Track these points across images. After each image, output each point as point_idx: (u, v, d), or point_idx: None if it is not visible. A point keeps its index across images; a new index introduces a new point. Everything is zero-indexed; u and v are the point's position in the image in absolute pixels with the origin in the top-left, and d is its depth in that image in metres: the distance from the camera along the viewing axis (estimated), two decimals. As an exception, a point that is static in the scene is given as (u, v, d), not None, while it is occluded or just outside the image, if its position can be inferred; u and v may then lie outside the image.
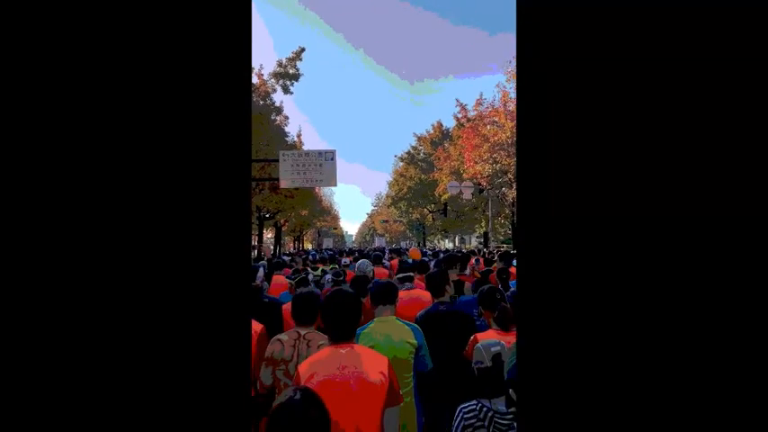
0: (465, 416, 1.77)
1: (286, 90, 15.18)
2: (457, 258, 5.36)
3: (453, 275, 4.56)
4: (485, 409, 1.75)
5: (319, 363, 1.93)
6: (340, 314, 2.02)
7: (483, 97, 21.38)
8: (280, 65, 14.90)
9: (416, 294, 3.75)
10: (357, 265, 5.36)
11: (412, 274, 4.21)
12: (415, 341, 2.61)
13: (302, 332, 2.56)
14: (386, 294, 2.78)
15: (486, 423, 1.72)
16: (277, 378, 2.45)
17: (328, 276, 5.05)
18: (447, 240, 37.08)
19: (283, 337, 2.55)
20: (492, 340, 1.99)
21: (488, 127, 17.28)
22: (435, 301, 3.31)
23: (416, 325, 2.78)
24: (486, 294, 3.06)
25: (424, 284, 3.91)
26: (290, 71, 14.84)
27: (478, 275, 5.31)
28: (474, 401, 1.80)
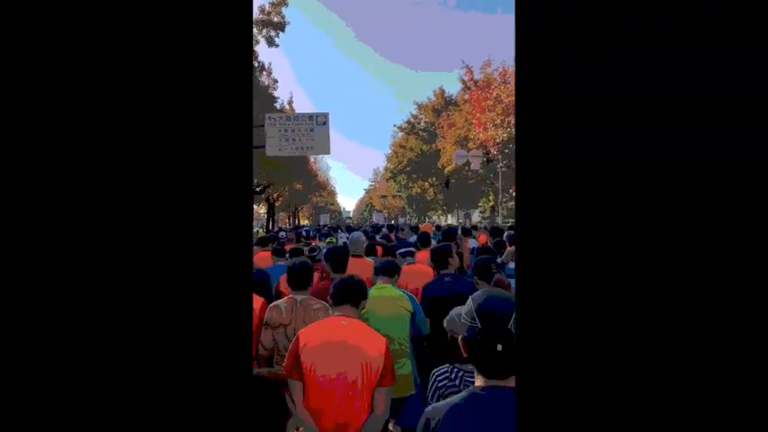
0: (438, 378, 1.86)
1: (270, 42, 13.05)
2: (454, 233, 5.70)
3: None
4: (455, 370, 1.86)
5: (319, 330, 2.02)
6: (340, 286, 2.18)
7: (491, 58, 19.53)
8: (262, 11, 12.55)
9: (417, 269, 3.92)
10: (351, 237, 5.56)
11: (413, 249, 4.48)
12: (411, 307, 2.83)
13: (298, 298, 2.71)
14: (387, 269, 3.08)
15: (458, 382, 1.83)
16: (276, 340, 2.65)
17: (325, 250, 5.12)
18: (450, 216, 35.32)
19: (281, 303, 2.73)
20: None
21: (500, 87, 15.35)
22: (441, 273, 3.43)
23: (412, 294, 3.07)
24: (481, 265, 3.19)
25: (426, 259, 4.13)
26: (275, 19, 12.63)
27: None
28: (447, 365, 1.90)
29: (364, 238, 5.12)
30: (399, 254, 4.29)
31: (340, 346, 1.93)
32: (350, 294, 2.14)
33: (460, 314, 1.83)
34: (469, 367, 1.78)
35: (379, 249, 5.89)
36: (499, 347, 1.13)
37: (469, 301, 1.24)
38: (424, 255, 4.58)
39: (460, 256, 4.77)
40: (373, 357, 1.93)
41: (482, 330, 1.16)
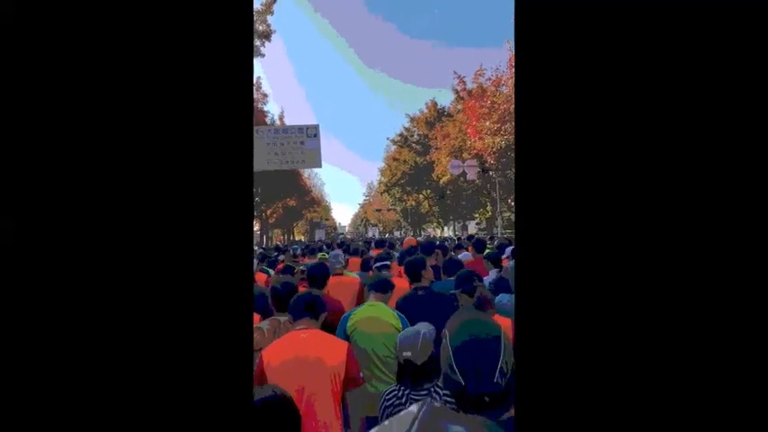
0: (387, 398, 1.95)
1: (256, 52, 12.60)
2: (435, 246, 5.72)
3: (432, 261, 4.69)
4: (402, 388, 1.94)
5: (281, 347, 2.08)
6: (296, 301, 2.29)
7: (483, 68, 19.16)
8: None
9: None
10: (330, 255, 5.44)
11: (388, 262, 4.55)
12: (400, 327, 2.73)
13: (281, 319, 2.66)
14: (380, 286, 3.02)
15: (404, 400, 1.92)
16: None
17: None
18: (446, 228, 34.75)
19: (263, 325, 2.64)
20: (410, 337, 2.01)
21: (496, 94, 14.94)
22: (414, 286, 3.42)
23: (400, 312, 2.97)
24: (463, 278, 3.13)
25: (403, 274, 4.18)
26: (260, 27, 12.20)
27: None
28: (395, 384, 2.00)
29: (342, 254, 5.17)
30: (375, 267, 4.34)
31: (302, 360, 2.00)
32: (307, 307, 2.22)
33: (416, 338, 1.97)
34: (422, 392, 1.90)
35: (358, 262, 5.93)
36: (487, 399, 1.08)
37: (447, 347, 1.13)
38: (400, 267, 4.64)
39: (438, 269, 4.82)
40: (336, 366, 2.01)
41: (466, 388, 1.10)
